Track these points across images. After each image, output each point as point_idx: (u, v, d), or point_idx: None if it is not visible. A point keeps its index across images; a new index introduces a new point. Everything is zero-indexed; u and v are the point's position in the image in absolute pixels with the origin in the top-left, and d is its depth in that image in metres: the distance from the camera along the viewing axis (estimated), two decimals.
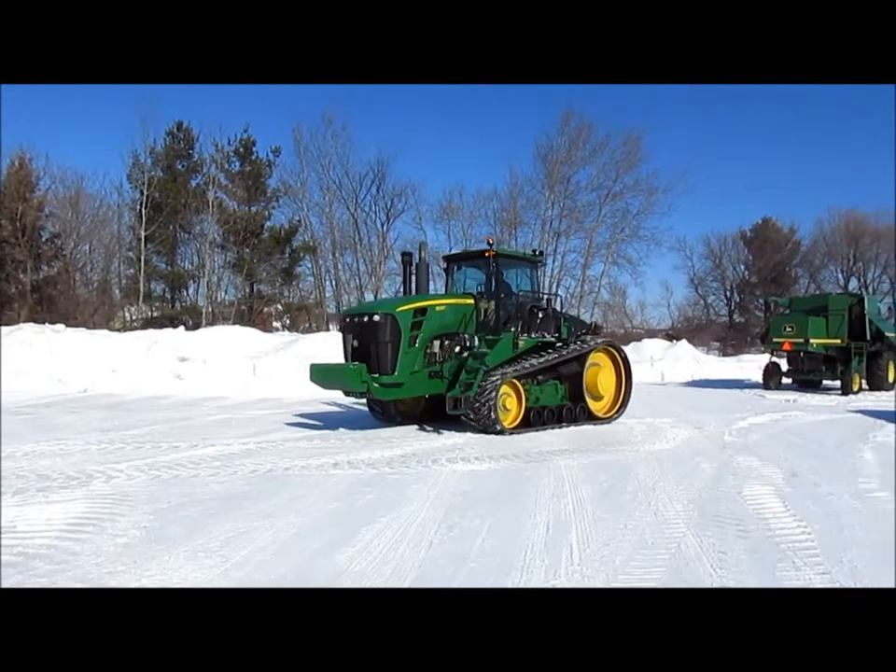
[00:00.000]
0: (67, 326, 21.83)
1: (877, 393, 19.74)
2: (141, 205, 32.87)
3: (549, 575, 4.00)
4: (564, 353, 11.22)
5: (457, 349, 10.60)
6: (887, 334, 20.91)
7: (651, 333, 46.94)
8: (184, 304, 37.52)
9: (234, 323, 29.84)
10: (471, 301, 11.05)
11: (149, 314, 34.90)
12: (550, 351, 11.20)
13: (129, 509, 5.47)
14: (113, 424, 10.55)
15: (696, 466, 7.71)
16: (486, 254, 10.99)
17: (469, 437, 9.75)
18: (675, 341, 36.60)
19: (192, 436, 9.33)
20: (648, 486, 6.55)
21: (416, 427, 10.87)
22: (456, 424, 10.45)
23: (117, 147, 66.87)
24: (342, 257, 40.41)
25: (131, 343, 19.60)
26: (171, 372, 17.67)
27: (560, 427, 10.89)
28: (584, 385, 11.42)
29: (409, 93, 62.86)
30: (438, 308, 10.52)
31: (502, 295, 11.05)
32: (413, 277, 11.57)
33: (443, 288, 12.39)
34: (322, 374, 10.36)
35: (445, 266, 12.31)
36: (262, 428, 10.30)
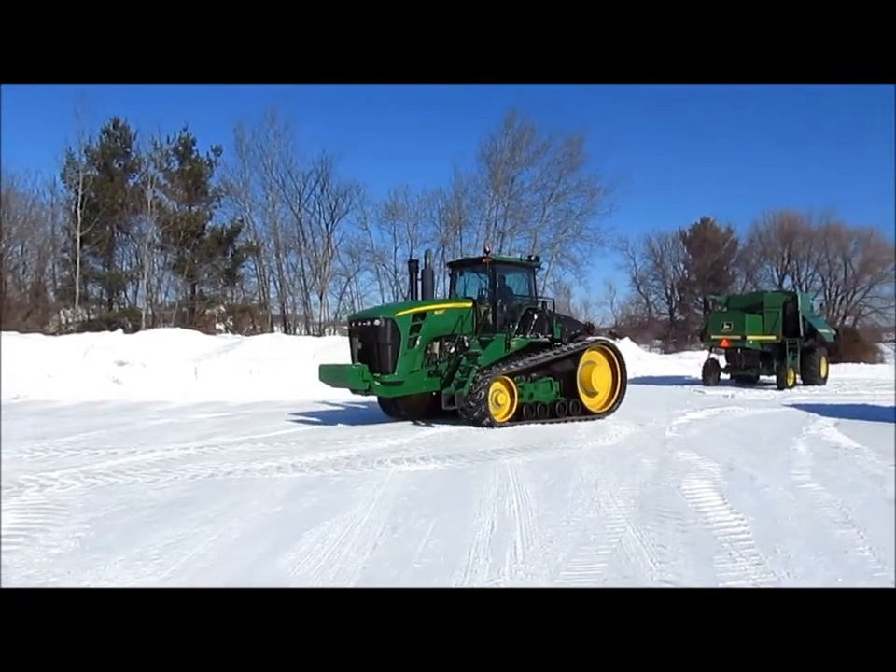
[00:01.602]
0: None
1: (810, 387, 20.42)
2: (76, 205, 31.79)
3: (493, 574, 4.02)
4: (556, 352, 11.96)
5: (452, 350, 11.42)
6: (819, 330, 21.64)
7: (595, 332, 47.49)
8: (122, 307, 36.47)
9: (175, 325, 29.10)
10: (469, 305, 11.84)
11: (86, 317, 33.77)
12: (543, 350, 11.88)
13: (63, 518, 5.30)
14: (47, 431, 10.21)
15: (638, 462, 7.86)
16: (483, 261, 11.86)
17: (414, 437, 9.74)
18: (618, 339, 37.19)
19: (131, 442, 9.10)
20: (590, 483, 6.64)
21: (375, 425, 10.86)
22: (453, 419, 11.11)
23: (49, 145, 64.93)
24: (286, 257, 39.80)
25: (66, 347, 19.00)
26: (109, 377, 17.19)
27: (555, 423, 11.58)
28: (579, 382, 12.05)
29: (352, 93, 62.29)
30: (436, 312, 11.41)
31: (499, 299, 11.90)
32: (419, 283, 12.28)
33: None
34: (329, 374, 11.38)
35: (450, 272, 13.16)
36: (204, 432, 10.11)
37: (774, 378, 20.54)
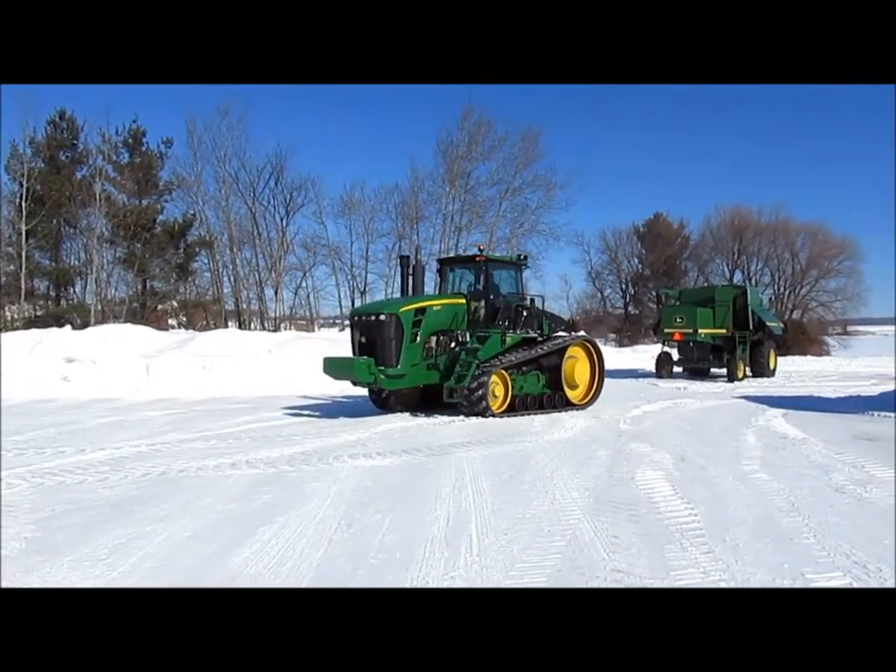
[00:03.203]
0: None
1: (760, 379, 20.87)
2: (21, 198, 30.91)
3: (448, 567, 4.04)
4: (545, 347, 12.51)
5: (452, 344, 11.93)
6: (768, 324, 22.12)
7: None
8: (70, 302, 35.57)
9: (126, 321, 28.53)
10: (463, 301, 12.30)
11: (32, 313, 32.95)
12: (533, 345, 12.46)
13: (8, 520, 5.15)
14: None
15: (593, 454, 7.95)
16: (477, 259, 12.50)
17: (372, 433, 9.71)
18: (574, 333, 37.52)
19: (80, 440, 8.88)
20: (546, 475, 6.70)
21: (331, 420, 10.77)
22: (445, 410, 11.55)
23: None
24: (240, 252, 39.30)
25: (12, 344, 18.47)
26: (57, 374, 16.73)
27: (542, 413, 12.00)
28: (563, 376, 12.65)
29: (307, 87, 61.67)
30: (435, 308, 11.84)
31: (492, 295, 12.39)
32: (411, 279, 12.65)
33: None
34: (334, 367, 11.77)
35: (439, 268, 13.54)
36: (156, 430, 9.91)
37: (725, 370, 20.95)
